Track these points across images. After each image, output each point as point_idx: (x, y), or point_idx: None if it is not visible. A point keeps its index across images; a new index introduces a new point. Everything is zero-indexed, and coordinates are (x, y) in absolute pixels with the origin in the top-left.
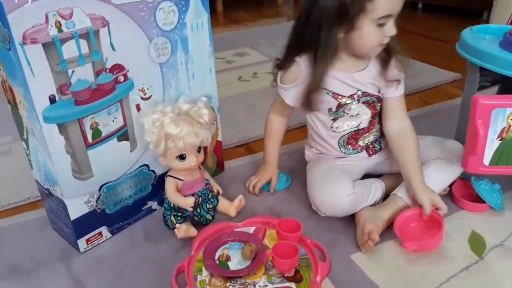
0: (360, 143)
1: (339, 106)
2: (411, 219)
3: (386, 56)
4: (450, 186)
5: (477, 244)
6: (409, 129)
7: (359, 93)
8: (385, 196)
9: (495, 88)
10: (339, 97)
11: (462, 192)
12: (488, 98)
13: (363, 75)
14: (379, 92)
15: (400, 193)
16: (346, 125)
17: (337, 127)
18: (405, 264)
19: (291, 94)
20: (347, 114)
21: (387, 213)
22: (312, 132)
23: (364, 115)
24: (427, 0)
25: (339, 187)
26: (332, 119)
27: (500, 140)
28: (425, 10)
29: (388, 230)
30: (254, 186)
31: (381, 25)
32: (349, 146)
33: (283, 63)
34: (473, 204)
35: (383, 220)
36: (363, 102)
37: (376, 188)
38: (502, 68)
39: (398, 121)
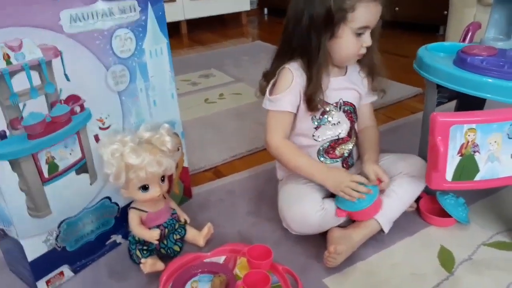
0: (337, 152)
1: (323, 113)
2: None
3: (369, 70)
4: (417, 201)
5: (446, 259)
6: (374, 126)
7: (341, 101)
8: None
9: (454, 103)
10: (325, 104)
11: (428, 207)
12: (446, 116)
13: (343, 79)
14: (359, 98)
15: None
16: (327, 134)
17: (318, 136)
18: (377, 285)
19: (287, 100)
20: (330, 122)
21: (358, 235)
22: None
23: (344, 124)
24: (386, 17)
25: (308, 203)
26: (315, 128)
27: (460, 156)
28: (384, 26)
29: (359, 252)
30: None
31: (359, 35)
32: (327, 155)
33: (272, 72)
34: (440, 218)
35: (354, 242)
36: (343, 111)
37: None
38: (457, 85)
39: (367, 121)
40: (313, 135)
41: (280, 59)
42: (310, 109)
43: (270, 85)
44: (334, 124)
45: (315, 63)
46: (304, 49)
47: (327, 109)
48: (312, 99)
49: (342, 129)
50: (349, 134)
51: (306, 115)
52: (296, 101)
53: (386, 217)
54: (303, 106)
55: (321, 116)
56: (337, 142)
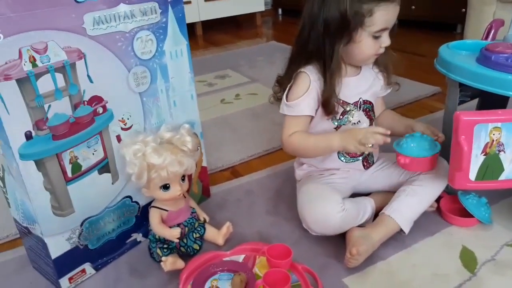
0: None
1: (344, 113)
2: None
3: (383, 68)
4: (438, 201)
5: (468, 260)
6: (388, 109)
7: (361, 100)
8: (376, 215)
9: (475, 102)
10: (345, 104)
11: (450, 207)
12: (470, 115)
13: (359, 78)
14: (376, 94)
15: (388, 211)
16: None
17: None
18: (398, 285)
19: (305, 104)
20: (350, 121)
21: (378, 234)
22: None
23: (364, 123)
24: (402, 16)
25: (329, 204)
26: (335, 128)
27: (484, 155)
28: (400, 25)
29: (379, 252)
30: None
31: (377, 37)
32: (347, 154)
33: (287, 77)
34: (461, 218)
35: (374, 242)
36: (363, 110)
37: (366, 205)
38: (481, 83)
39: (381, 108)
40: None
41: (296, 64)
42: (326, 113)
43: (287, 90)
44: (355, 123)
45: (329, 69)
46: (319, 53)
47: (347, 109)
48: (327, 104)
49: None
50: None
51: (325, 116)
52: (314, 105)
53: (406, 217)
54: (321, 109)
55: (341, 116)
56: None
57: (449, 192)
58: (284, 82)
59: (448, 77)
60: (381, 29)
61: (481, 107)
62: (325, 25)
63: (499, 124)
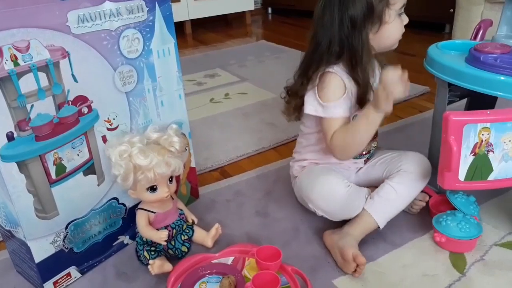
0: (365, 149)
1: None
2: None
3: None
4: (427, 201)
5: (458, 260)
6: None
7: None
8: None
9: (464, 102)
10: None
11: (439, 207)
12: (459, 115)
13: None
14: None
15: (366, 206)
16: None
17: None
18: (388, 286)
19: (344, 107)
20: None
21: (356, 231)
22: (317, 143)
23: None
24: None
25: (334, 178)
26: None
27: (473, 155)
28: None
29: (369, 253)
30: None
31: (399, 16)
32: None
33: (302, 85)
34: None
35: (355, 238)
36: None
37: (365, 193)
38: (470, 83)
39: None
40: None
41: (313, 69)
42: (361, 106)
43: (315, 89)
44: None
45: (360, 64)
46: (347, 51)
47: None
48: (364, 99)
49: None
50: (376, 132)
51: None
52: (350, 105)
53: (382, 214)
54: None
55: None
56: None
57: (439, 192)
58: (299, 91)
59: (437, 77)
60: (402, 5)
61: (470, 107)
62: (352, 20)
63: (488, 125)
